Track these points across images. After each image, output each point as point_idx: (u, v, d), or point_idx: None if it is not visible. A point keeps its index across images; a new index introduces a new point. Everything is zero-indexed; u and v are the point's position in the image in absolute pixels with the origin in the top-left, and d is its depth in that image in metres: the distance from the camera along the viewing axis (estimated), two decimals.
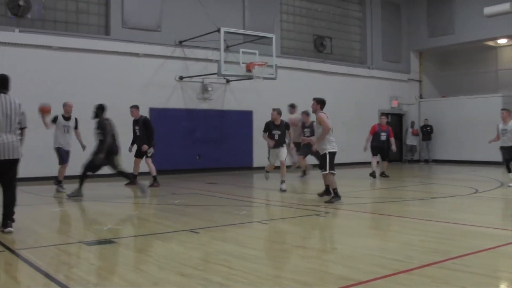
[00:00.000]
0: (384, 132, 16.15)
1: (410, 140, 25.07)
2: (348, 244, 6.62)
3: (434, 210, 9.92)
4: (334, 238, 7.10)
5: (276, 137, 12.40)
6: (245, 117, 18.14)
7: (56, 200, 11.20)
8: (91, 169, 11.14)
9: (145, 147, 13.25)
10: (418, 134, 25.20)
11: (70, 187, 11.48)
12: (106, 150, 10.94)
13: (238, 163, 17.84)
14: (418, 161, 25.45)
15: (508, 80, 25.11)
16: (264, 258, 5.75)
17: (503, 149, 13.35)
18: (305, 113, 14.88)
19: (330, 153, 10.11)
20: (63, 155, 12.41)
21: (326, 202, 10.00)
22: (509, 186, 13.08)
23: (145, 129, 13.38)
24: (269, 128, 12.50)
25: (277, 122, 12.49)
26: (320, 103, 10.55)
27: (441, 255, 5.71)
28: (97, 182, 13.17)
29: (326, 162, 10.10)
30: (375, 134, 16.09)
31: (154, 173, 13.50)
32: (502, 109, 13.91)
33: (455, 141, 24.31)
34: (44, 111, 11.35)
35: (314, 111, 10.61)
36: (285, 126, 12.65)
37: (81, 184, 11.07)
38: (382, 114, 16.35)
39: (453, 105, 24.92)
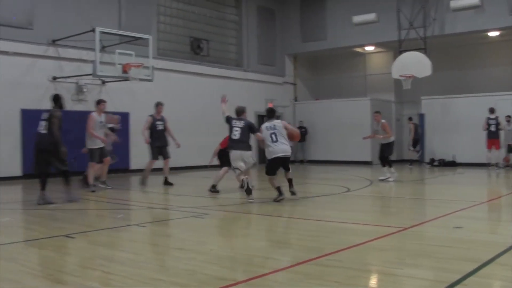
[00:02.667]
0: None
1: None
2: (225, 244, 6.74)
3: (309, 209, 10.28)
4: (212, 239, 7.19)
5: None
6: (121, 118, 17.80)
7: None
8: None
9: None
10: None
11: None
12: None
13: (115, 165, 17.49)
14: (293, 161, 26.16)
15: (375, 84, 26.61)
16: (142, 262, 5.74)
17: (381, 145, 15.22)
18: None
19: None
20: None
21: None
22: (380, 179, 14.65)
23: None
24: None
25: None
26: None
27: (315, 252, 5.94)
28: None
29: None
30: None
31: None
32: (375, 112, 15.58)
33: (328, 142, 25.32)
34: None
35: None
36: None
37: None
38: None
39: (326, 107, 25.96)
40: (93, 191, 12.57)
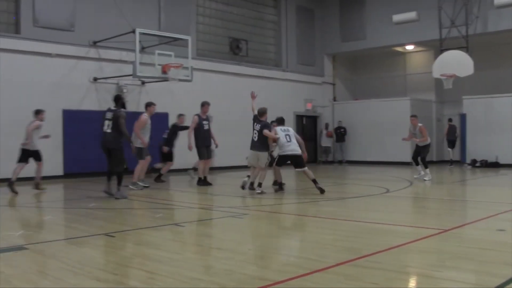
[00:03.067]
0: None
1: (325, 141, 25.65)
2: (263, 244, 6.73)
3: (347, 209, 10.21)
4: (250, 239, 7.19)
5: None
6: (160, 119, 17.98)
7: None
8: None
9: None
10: (332, 136, 25.82)
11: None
12: None
13: (153, 164, 17.65)
14: (332, 162, 26.06)
15: (415, 84, 26.26)
16: (181, 261, 5.76)
17: (416, 147, 15.88)
18: None
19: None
20: None
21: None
22: (425, 179, 15.09)
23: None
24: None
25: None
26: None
27: (354, 253, 5.88)
28: (6, 186, 12.69)
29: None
30: None
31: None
32: (412, 116, 16.10)
33: (367, 142, 25.10)
34: None
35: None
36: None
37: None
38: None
39: (365, 107, 25.73)
40: (141, 189, 13.17)
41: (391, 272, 5.10)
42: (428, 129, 22.57)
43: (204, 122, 14.13)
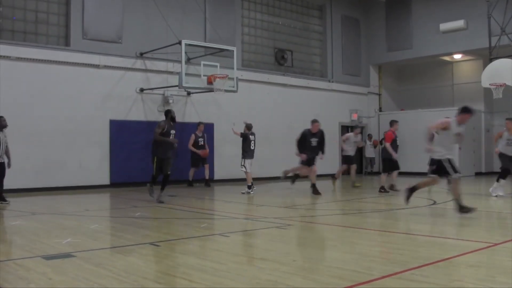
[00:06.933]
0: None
1: (369, 152, 25.35)
2: (307, 256, 6.66)
3: (393, 221, 10.06)
4: (294, 250, 7.13)
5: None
6: (206, 129, 18.10)
7: (15, 213, 10.98)
8: None
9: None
10: (377, 144, 25.51)
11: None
12: None
13: (200, 175, 17.76)
14: (377, 173, 25.71)
15: (463, 94, 25.76)
16: (225, 271, 5.75)
17: (503, 156, 13.81)
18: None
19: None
20: None
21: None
22: (496, 195, 13.72)
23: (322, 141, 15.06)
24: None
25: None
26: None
27: (400, 266, 5.77)
28: (55, 195, 12.95)
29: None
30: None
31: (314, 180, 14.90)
32: (507, 119, 14.24)
33: (413, 153, 24.67)
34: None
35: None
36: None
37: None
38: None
39: (411, 118, 25.34)
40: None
41: (437, 286, 4.96)
42: (477, 141, 22.02)
43: (200, 139, 16.13)
